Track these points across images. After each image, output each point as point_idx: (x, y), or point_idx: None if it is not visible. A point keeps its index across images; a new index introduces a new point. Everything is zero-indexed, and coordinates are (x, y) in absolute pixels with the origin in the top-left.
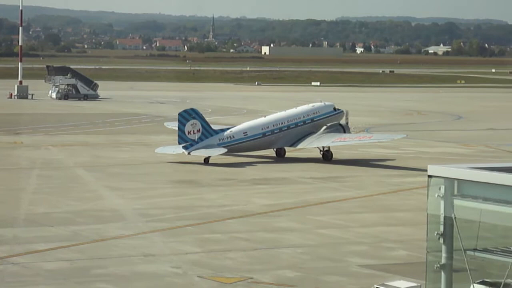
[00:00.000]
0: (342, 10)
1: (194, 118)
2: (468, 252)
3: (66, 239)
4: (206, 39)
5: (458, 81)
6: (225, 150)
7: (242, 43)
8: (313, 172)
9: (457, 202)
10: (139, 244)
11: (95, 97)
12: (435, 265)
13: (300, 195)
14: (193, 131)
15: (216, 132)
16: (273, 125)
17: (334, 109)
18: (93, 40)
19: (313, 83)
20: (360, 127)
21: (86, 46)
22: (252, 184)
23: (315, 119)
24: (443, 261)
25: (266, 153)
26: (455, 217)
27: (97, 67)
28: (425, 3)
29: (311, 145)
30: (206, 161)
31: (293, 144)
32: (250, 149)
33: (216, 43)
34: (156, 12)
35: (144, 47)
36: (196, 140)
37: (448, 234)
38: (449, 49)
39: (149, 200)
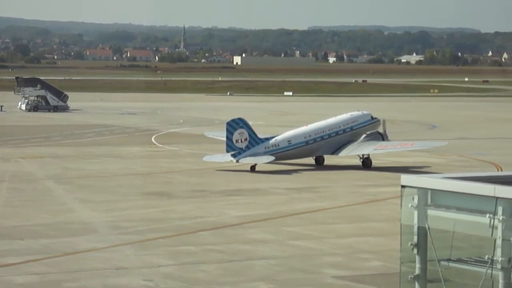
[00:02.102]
0: (314, 19)
1: (241, 127)
2: (442, 262)
3: (37, 253)
4: (177, 49)
5: (431, 90)
6: (273, 158)
7: (214, 53)
8: (287, 183)
9: (431, 212)
10: (110, 257)
11: (65, 109)
12: (409, 276)
13: (274, 206)
14: (241, 139)
15: (262, 140)
16: (315, 134)
17: (372, 117)
18: (63, 51)
19: (285, 93)
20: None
21: (56, 57)
22: (225, 195)
23: (354, 128)
24: (417, 271)
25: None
26: (428, 227)
27: (67, 78)
28: (397, 12)
29: (352, 153)
30: (253, 168)
31: (334, 152)
32: (293, 157)
33: (187, 53)
34: (126, 22)
35: (115, 58)
36: (243, 148)
37: (422, 245)
38: (422, 58)
39: (120, 212)
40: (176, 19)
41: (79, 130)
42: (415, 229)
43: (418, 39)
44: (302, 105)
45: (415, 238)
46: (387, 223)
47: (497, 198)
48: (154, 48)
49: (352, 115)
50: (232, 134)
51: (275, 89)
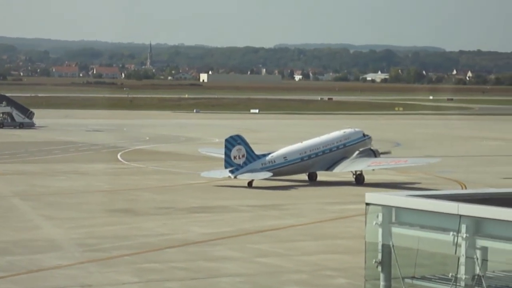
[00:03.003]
0: (280, 37)
1: (239, 144)
2: (406, 280)
3: (2, 270)
4: (143, 66)
5: (396, 108)
6: (270, 174)
7: (180, 71)
8: (252, 200)
9: (395, 229)
10: (76, 274)
11: (31, 125)
12: None
13: (239, 223)
14: (238, 156)
15: (259, 157)
16: (310, 150)
17: (363, 135)
18: (29, 68)
19: (252, 111)
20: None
21: (21, 74)
22: (190, 212)
23: (347, 145)
24: None
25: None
26: (393, 245)
27: (33, 95)
28: (362, 30)
29: (346, 169)
30: (250, 184)
31: (329, 168)
32: (289, 173)
33: (153, 70)
34: (93, 39)
35: (81, 75)
36: (241, 164)
37: (386, 262)
38: (387, 76)
39: (86, 230)
40: (142, 36)
41: (45, 147)
42: (380, 247)
43: (383, 58)
44: (269, 122)
45: (380, 256)
46: (353, 241)
47: (460, 216)
48: (121, 65)
49: (345, 132)
50: (230, 150)
51: (242, 106)
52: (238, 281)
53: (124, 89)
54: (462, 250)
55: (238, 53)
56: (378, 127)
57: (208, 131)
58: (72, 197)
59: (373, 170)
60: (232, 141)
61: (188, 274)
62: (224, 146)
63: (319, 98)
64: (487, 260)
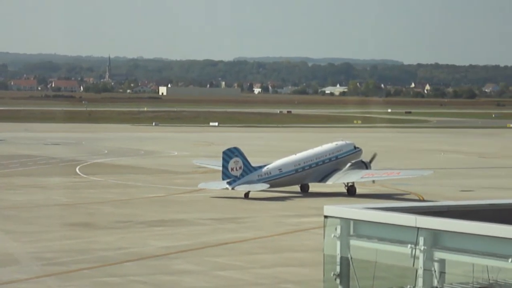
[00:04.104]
0: (239, 50)
1: (236, 156)
2: None
3: None
4: (102, 80)
5: (355, 121)
6: (267, 185)
7: (139, 84)
8: (211, 213)
9: (353, 242)
10: None
11: None
12: None
13: (198, 236)
14: (236, 168)
15: (255, 169)
16: (304, 162)
17: (354, 147)
18: None
19: (211, 123)
20: None
21: None
22: (149, 226)
23: (339, 157)
24: None
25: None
26: (351, 257)
27: None
28: (321, 44)
29: (339, 181)
30: (247, 195)
31: (322, 180)
32: (284, 184)
33: (112, 83)
34: (51, 53)
35: (39, 88)
36: (238, 176)
37: (344, 275)
38: (346, 89)
39: (44, 244)
40: (101, 49)
41: (3, 161)
42: (338, 259)
43: (342, 71)
44: (228, 135)
45: (338, 268)
46: (311, 253)
47: (418, 228)
48: (79, 78)
49: (337, 144)
50: (227, 162)
51: (201, 119)
52: None
53: (83, 102)
54: (420, 263)
55: (197, 66)
56: (337, 140)
57: (168, 144)
58: (31, 211)
59: (374, 181)
60: (230, 153)
61: None
62: (221, 158)
63: (278, 111)
64: (445, 273)
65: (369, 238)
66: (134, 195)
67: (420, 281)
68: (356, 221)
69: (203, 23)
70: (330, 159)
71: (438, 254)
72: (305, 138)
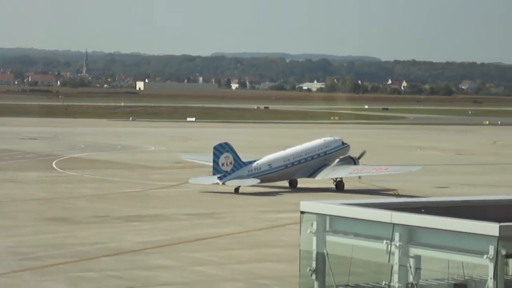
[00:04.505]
0: (217, 46)
1: (227, 151)
2: None
3: None
4: (79, 74)
5: (332, 118)
6: (258, 181)
7: (117, 78)
8: (188, 209)
9: (329, 238)
10: (10, 283)
11: None
12: None
13: (175, 231)
14: (226, 163)
15: (245, 164)
16: (293, 158)
17: (342, 143)
18: None
19: (188, 119)
20: None
21: None
22: (126, 221)
23: (327, 153)
24: None
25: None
26: (327, 253)
27: None
28: (299, 40)
29: (328, 176)
30: (237, 190)
31: (311, 175)
32: (273, 179)
33: (89, 78)
34: (28, 47)
35: (16, 82)
36: (229, 171)
37: (320, 270)
38: (323, 86)
39: (20, 238)
40: (78, 44)
41: None
42: (314, 255)
43: (319, 67)
44: (205, 130)
45: (314, 264)
46: (287, 249)
47: (394, 224)
48: (56, 73)
49: (325, 140)
50: (218, 157)
51: (178, 114)
52: None
53: (60, 97)
54: (396, 259)
55: (175, 61)
56: (314, 136)
57: (145, 139)
58: (7, 206)
59: (360, 177)
60: (220, 149)
61: (124, 283)
62: (212, 153)
63: (256, 107)
64: (420, 269)
65: (345, 234)
66: (111, 190)
67: (395, 277)
68: (332, 217)
69: (181, 18)
70: (318, 155)
71: (414, 250)
72: (283, 134)
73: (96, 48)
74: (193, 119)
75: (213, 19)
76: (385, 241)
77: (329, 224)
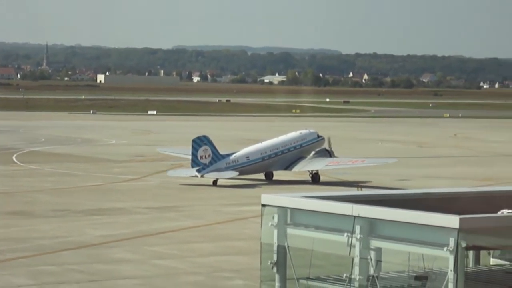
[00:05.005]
0: (178, 38)
1: (205, 144)
2: (301, 280)
3: None
4: (39, 67)
5: (293, 111)
6: (236, 173)
7: (77, 71)
8: (149, 202)
9: (290, 231)
10: None
11: None
12: None
13: (136, 225)
14: (205, 156)
15: (223, 156)
16: (270, 150)
17: (318, 136)
18: None
19: (149, 112)
20: None
21: None
22: (87, 214)
23: (303, 145)
24: None
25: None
26: (288, 246)
27: None
28: (260, 33)
29: (305, 169)
30: (215, 183)
31: (287, 167)
32: (251, 172)
33: (50, 71)
34: None
35: None
36: (207, 164)
37: (281, 263)
38: (284, 79)
39: None
40: (38, 36)
41: None
42: (275, 248)
43: (281, 60)
44: (167, 124)
45: (275, 257)
46: (249, 242)
47: (355, 217)
48: (16, 66)
49: (301, 133)
50: (197, 150)
51: (139, 107)
52: (135, 283)
53: (20, 90)
54: (356, 251)
55: (136, 54)
56: (276, 129)
57: (105, 132)
58: None
59: (343, 171)
60: (199, 142)
61: (85, 277)
62: (191, 146)
63: (217, 100)
64: (381, 261)
65: (306, 226)
66: (71, 184)
67: (356, 270)
68: (293, 210)
69: (142, 10)
70: (295, 147)
71: (374, 243)
72: (245, 127)
73: (56, 41)
74: (154, 112)
75: (174, 11)
76: (346, 234)
77: (290, 217)
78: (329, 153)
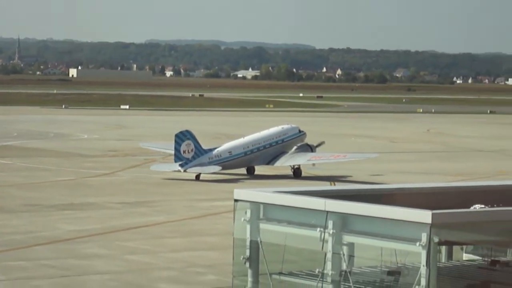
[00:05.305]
0: (151, 33)
1: (188, 139)
2: (273, 276)
3: None
4: (11, 61)
5: (267, 105)
6: (219, 168)
7: (49, 65)
8: (122, 197)
9: (263, 226)
10: None
11: None
12: None
13: (108, 220)
14: (187, 150)
15: (206, 151)
16: (252, 145)
17: (299, 131)
18: None
19: (122, 106)
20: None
21: None
22: (59, 209)
23: (285, 140)
24: (249, 285)
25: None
26: (260, 241)
27: None
28: (234, 28)
29: (287, 163)
30: (198, 177)
31: (269, 162)
32: (234, 166)
33: (22, 65)
34: None
35: None
36: (190, 158)
37: (254, 258)
38: (258, 73)
39: None
40: (10, 30)
41: None
42: (248, 243)
43: (254, 55)
44: (139, 118)
45: (248, 252)
46: (221, 237)
47: (327, 212)
48: None
49: (283, 128)
50: (180, 145)
51: (112, 102)
52: (107, 278)
53: None
54: (329, 246)
55: (109, 48)
56: (249, 124)
57: (78, 127)
58: None
59: (314, 165)
60: (182, 136)
61: (57, 272)
62: (174, 141)
63: (190, 95)
64: (353, 256)
65: (279, 221)
66: (43, 178)
67: (329, 265)
68: (266, 205)
69: (115, 4)
70: (277, 142)
71: (347, 238)
72: (218, 122)
73: (28, 35)
74: (127, 106)
75: (147, 5)
76: (318, 229)
77: (263, 212)
78: (310, 148)
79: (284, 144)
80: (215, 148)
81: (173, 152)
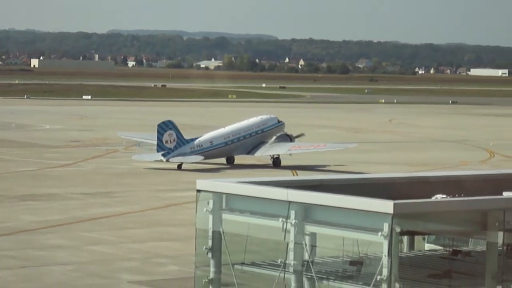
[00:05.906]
0: (113, 23)
1: (170, 129)
2: (236, 266)
3: None
4: None
5: (230, 96)
6: (202, 157)
7: (10, 56)
8: (84, 188)
9: (225, 216)
10: None
11: None
12: (204, 280)
13: (70, 211)
14: (170, 140)
15: (188, 141)
16: (233, 135)
17: (278, 121)
18: None
19: (84, 97)
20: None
21: None
22: (20, 200)
23: (265, 130)
24: (211, 275)
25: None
26: (223, 231)
27: None
28: (196, 18)
29: (267, 153)
30: (180, 167)
31: (249, 152)
32: (214, 156)
33: None
34: None
35: None
36: (172, 148)
37: (216, 249)
38: (221, 64)
39: None
40: None
41: None
42: (210, 233)
43: (217, 45)
44: (101, 109)
45: (210, 242)
46: (184, 228)
47: (289, 202)
48: None
49: (262, 118)
50: (162, 135)
51: (74, 92)
52: (69, 269)
53: None
54: (291, 236)
55: (70, 38)
56: (211, 114)
57: (39, 117)
58: None
59: (291, 155)
60: (164, 126)
61: (19, 263)
62: (156, 131)
63: (153, 85)
64: (315, 246)
65: (241, 212)
66: (5, 169)
67: (291, 255)
68: (228, 195)
69: None
70: (256, 132)
71: (309, 228)
72: (180, 112)
73: None
74: (89, 97)
75: None
76: (281, 219)
77: (226, 202)
78: (289, 138)
79: (264, 134)
80: (196, 138)
81: (151, 141)
